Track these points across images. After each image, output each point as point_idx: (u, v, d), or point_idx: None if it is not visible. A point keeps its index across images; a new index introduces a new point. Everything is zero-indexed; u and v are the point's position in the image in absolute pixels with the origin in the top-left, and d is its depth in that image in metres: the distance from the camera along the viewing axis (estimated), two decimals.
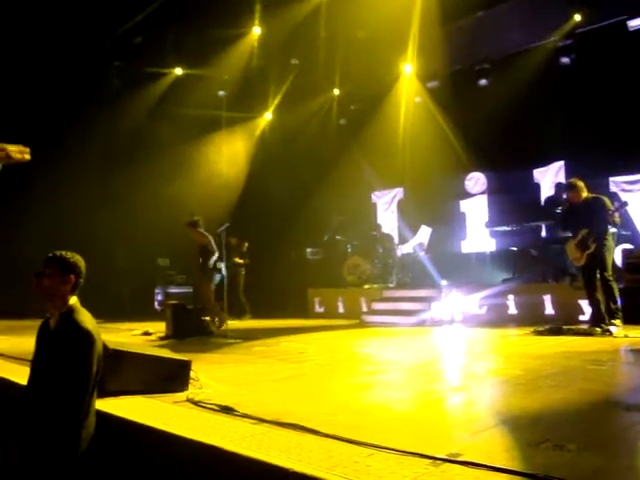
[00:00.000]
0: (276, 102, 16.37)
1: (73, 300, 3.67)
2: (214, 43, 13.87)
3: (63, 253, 3.69)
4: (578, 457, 2.62)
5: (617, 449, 2.81)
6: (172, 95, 15.36)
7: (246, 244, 14.04)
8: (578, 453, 2.67)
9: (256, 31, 14.09)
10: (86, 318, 3.61)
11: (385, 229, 15.08)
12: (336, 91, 16.08)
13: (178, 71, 15.54)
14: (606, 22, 11.97)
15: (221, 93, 15.87)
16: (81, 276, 3.69)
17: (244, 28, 13.98)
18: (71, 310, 3.62)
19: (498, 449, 2.79)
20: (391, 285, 13.32)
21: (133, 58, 14.64)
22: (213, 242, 10.19)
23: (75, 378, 3.47)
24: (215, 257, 10.20)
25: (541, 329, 8.29)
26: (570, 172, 12.08)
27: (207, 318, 9.95)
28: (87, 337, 3.51)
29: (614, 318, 7.83)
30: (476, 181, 14.22)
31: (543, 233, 11.39)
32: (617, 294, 7.99)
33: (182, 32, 13.52)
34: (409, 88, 14.84)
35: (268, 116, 17.05)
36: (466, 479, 2.38)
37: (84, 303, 3.74)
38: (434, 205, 14.35)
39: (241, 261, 13.79)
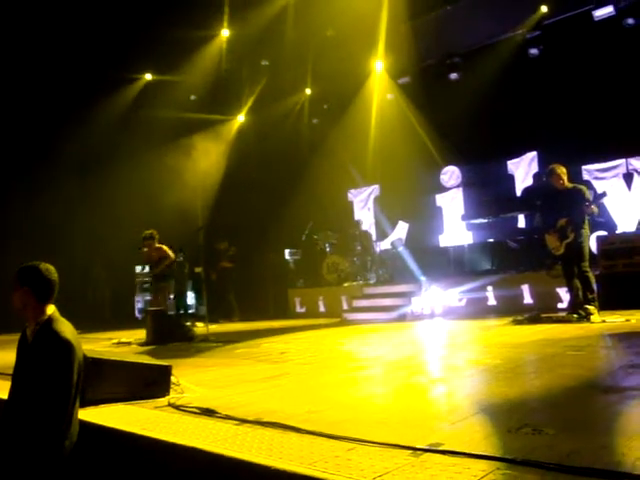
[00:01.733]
0: (248, 104, 16.33)
1: (51, 310, 3.61)
2: (183, 47, 13.81)
3: (24, 265, 3.65)
4: (556, 440, 2.65)
5: (594, 430, 2.84)
6: (144, 100, 15.27)
7: (233, 248, 14.16)
8: (556, 436, 2.70)
9: (225, 33, 14.04)
10: (65, 327, 3.56)
11: (363, 226, 15.12)
12: (308, 91, 16.07)
13: (148, 76, 15.43)
14: (572, 12, 12.12)
15: (192, 97, 15.80)
16: (43, 286, 3.61)
17: (212, 30, 13.92)
18: (49, 320, 3.57)
19: (478, 437, 2.81)
20: (371, 282, 13.36)
21: (104, 63, 14.50)
22: (169, 250, 10.42)
23: (55, 388, 3.42)
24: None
25: (520, 318, 8.38)
26: (543, 162, 12.21)
27: (188, 323, 9.94)
28: (66, 346, 3.46)
29: (590, 305, 7.93)
30: (451, 175, 14.31)
31: (519, 224, 11.50)
32: (593, 284, 8.09)
33: (151, 36, 13.41)
34: (380, 85, 14.89)
35: (241, 118, 17.00)
36: (446, 467, 2.40)
37: (63, 313, 3.70)
38: (410, 200, 14.42)
39: (229, 265, 13.88)
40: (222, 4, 13.23)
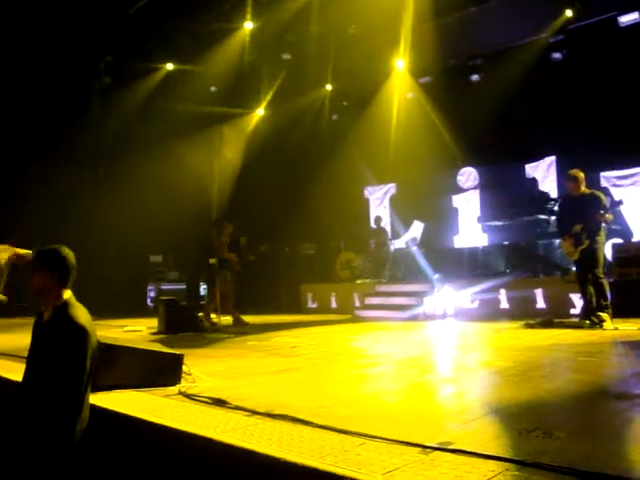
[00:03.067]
0: (268, 97, 16.33)
1: (67, 294, 3.64)
2: (206, 38, 13.84)
3: (46, 247, 3.67)
4: (567, 444, 2.65)
5: (605, 436, 2.84)
6: (164, 90, 15.32)
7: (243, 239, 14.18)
8: (567, 440, 2.70)
9: (248, 26, 14.03)
10: (80, 312, 3.59)
11: (380, 224, 15.10)
12: (328, 87, 16.06)
13: (169, 66, 15.48)
14: (597, 18, 12.01)
15: (213, 88, 15.83)
16: (65, 270, 3.64)
17: (236, 23, 13.92)
18: (66, 304, 3.60)
19: (488, 437, 2.82)
20: (384, 280, 13.34)
21: (124, 53, 14.58)
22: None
23: (69, 372, 3.45)
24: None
25: (532, 322, 8.35)
26: (562, 167, 12.13)
27: (200, 314, 10.00)
28: (81, 332, 3.49)
29: (603, 312, 7.88)
30: (468, 176, 14.26)
31: (535, 227, 11.44)
32: (607, 291, 8.04)
33: (173, 27, 13.47)
34: (402, 84, 14.84)
35: (260, 112, 17.02)
36: (456, 466, 2.40)
37: (77, 299, 3.72)
38: (426, 200, 14.39)
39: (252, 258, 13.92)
40: None
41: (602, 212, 7.73)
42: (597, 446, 2.63)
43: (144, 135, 15.10)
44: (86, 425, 3.55)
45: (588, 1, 11.77)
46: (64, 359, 3.45)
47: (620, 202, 8.41)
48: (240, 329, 9.59)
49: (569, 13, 12.11)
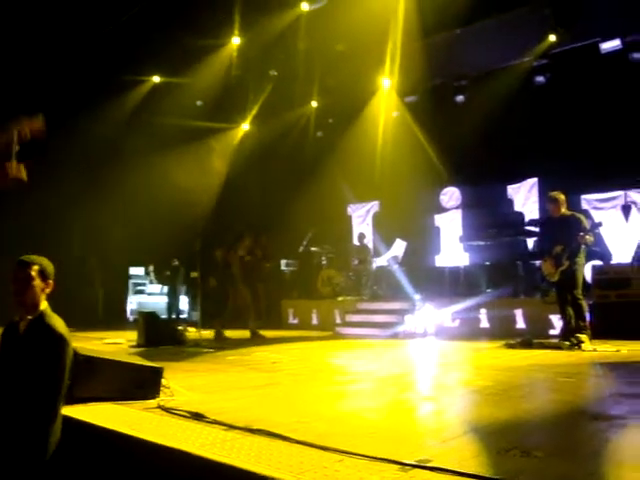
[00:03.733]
0: (254, 113, 16.38)
1: (44, 305, 3.62)
2: (193, 52, 13.88)
3: (36, 257, 3.65)
4: (545, 463, 2.66)
5: (582, 456, 2.85)
6: (150, 103, 15.31)
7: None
8: (545, 459, 2.72)
9: (235, 41, 14.10)
10: (59, 322, 3.57)
11: (362, 241, 15.12)
12: (314, 103, 16.15)
13: (156, 79, 15.49)
14: (580, 43, 12.23)
15: (199, 103, 15.86)
16: (47, 280, 3.64)
17: (223, 38, 13.99)
18: (43, 315, 3.57)
19: (467, 456, 2.82)
20: (365, 297, 13.35)
21: (110, 65, 14.56)
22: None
23: (47, 383, 3.41)
24: None
25: (512, 342, 8.39)
26: (543, 189, 12.27)
27: (180, 328, 9.92)
28: (61, 341, 3.46)
29: (582, 333, 7.94)
30: (451, 195, 14.37)
31: (516, 248, 11.53)
32: (585, 312, 8.11)
33: (161, 40, 13.48)
34: (387, 102, 14.97)
35: (246, 127, 17.05)
36: None
37: (55, 311, 3.70)
38: (409, 219, 14.44)
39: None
40: (234, 12, 13.30)
41: (582, 234, 7.82)
42: (574, 466, 2.65)
43: (129, 147, 15.06)
44: (59, 436, 3.51)
45: (571, 27, 11.99)
46: (42, 369, 3.41)
47: (599, 224, 8.53)
48: (221, 344, 9.53)
49: (553, 38, 12.33)
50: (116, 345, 9.27)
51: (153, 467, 3.25)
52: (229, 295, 10.90)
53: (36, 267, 3.60)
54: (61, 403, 3.54)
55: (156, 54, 14.46)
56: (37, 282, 3.57)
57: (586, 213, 11.16)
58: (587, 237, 7.81)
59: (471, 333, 10.28)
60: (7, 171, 3.84)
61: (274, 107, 15.71)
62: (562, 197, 8.30)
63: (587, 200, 12.09)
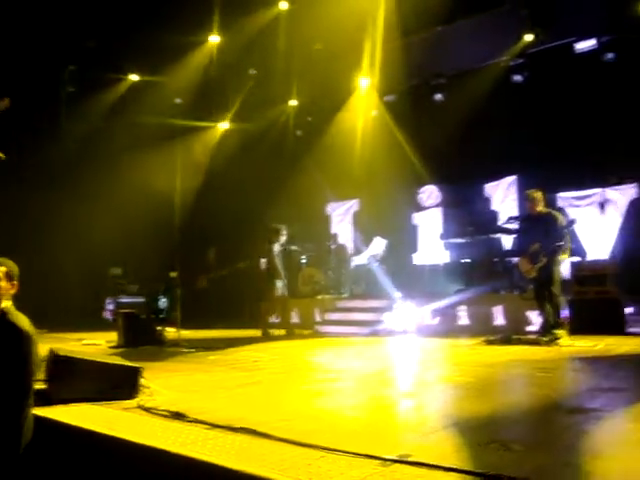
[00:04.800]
0: (233, 111, 16.32)
1: (8, 304, 3.65)
2: (172, 50, 13.78)
3: (3, 260, 3.73)
4: (523, 456, 2.70)
5: (559, 448, 2.90)
6: (127, 101, 15.18)
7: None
8: (523, 452, 2.76)
9: (214, 39, 14.04)
10: (22, 319, 3.60)
11: (340, 240, 15.15)
12: (293, 102, 16.13)
13: (134, 77, 15.37)
14: (556, 43, 12.36)
15: (178, 101, 15.75)
16: (13, 280, 3.74)
17: (202, 36, 13.92)
18: (5, 313, 3.60)
19: (447, 450, 2.85)
20: (345, 296, 13.38)
21: (88, 63, 14.42)
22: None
23: (14, 379, 3.41)
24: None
25: (491, 338, 8.47)
26: (521, 187, 12.39)
27: (159, 328, 9.85)
28: (24, 337, 3.49)
29: (560, 329, 8.05)
30: (430, 194, 14.44)
31: (494, 246, 11.64)
32: (562, 308, 8.23)
33: (140, 38, 13.37)
34: (366, 101, 15.00)
35: (224, 125, 16.98)
36: (414, 478, 2.43)
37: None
38: (388, 217, 14.49)
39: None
40: (212, 10, 13.24)
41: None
42: (552, 458, 2.69)
43: (106, 147, 14.93)
44: (30, 436, 3.49)
45: (547, 27, 12.12)
46: (8, 365, 3.41)
47: (573, 221, 8.65)
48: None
49: (529, 37, 12.45)
50: (95, 346, 9.18)
51: (133, 467, 3.24)
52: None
53: (3, 269, 3.68)
54: (31, 398, 3.52)
55: (135, 52, 14.35)
56: (3, 283, 3.65)
57: (563, 211, 11.29)
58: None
59: (451, 330, 10.36)
60: None
61: (253, 106, 15.66)
62: (539, 195, 8.40)
63: (564, 198, 12.23)
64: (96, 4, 12.75)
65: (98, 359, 4.78)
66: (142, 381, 4.72)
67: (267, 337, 10.55)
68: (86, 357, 4.71)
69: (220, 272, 13.60)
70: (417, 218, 14.64)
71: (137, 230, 14.32)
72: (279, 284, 10.87)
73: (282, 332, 10.91)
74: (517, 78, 12.76)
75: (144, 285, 15.80)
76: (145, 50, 14.00)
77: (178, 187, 15.70)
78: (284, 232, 11.07)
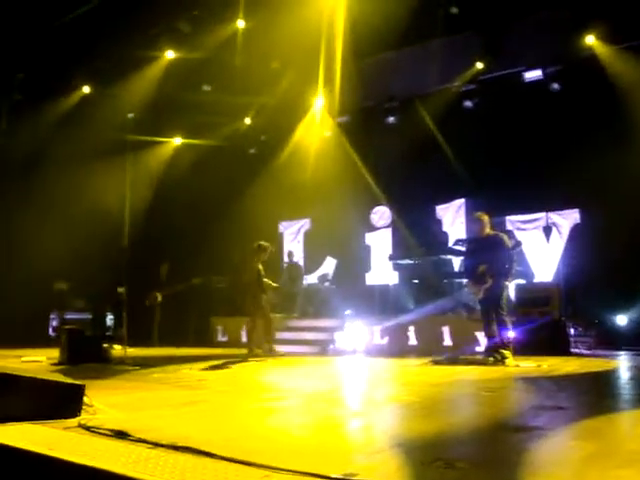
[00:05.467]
0: (186, 128, 16.19)
1: None
2: (126, 63, 13.62)
3: None
4: (467, 474, 2.72)
5: (503, 466, 2.93)
6: (78, 113, 14.90)
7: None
8: (467, 470, 2.78)
9: (169, 55, 13.95)
10: None
11: (294, 258, 15.13)
12: (247, 120, 16.13)
13: (86, 89, 15.12)
14: (505, 71, 12.75)
15: (130, 115, 15.53)
16: None
17: (158, 51, 13.80)
18: None
19: (392, 468, 2.85)
20: (295, 315, 13.35)
21: (38, 71, 14.11)
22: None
23: None
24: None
25: (439, 359, 8.56)
26: (470, 209, 12.64)
27: (105, 345, 9.62)
28: None
29: (505, 349, 8.19)
30: (381, 215, 14.59)
31: (442, 267, 11.82)
32: (508, 328, 8.38)
33: (94, 50, 13.18)
34: (320, 121, 15.11)
35: (177, 141, 16.83)
36: None
37: None
38: (340, 237, 14.57)
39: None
40: (168, 25, 13.14)
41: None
42: (494, 476, 2.72)
43: (55, 158, 14.59)
44: None
45: (498, 55, 12.49)
46: None
47: (519, 243, 8.86)
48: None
49: (480, 65, 12.79)
50: (36, 363, 8.91)
51: None
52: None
53: None
54: None
55: (88, 64, 14.13)
56: None
57: (510, 233, 11.57)
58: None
59: (400, 350, 10.43)
60: None
61: (207, 123, 15.57)
62: (486, 218, 8.59)
63: (511, 221, 12.54)
64: (50, 14, 12.51)
65: (37, 376, 4.62)
66: (85, 399, 4.58)
67: (251, 355, 10.23)
68: (24, 374, 4.54)
69: (175, 288, 13.37)
70: (369, 238, 14.75)
71: (85, 244, 13.99)
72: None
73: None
74: (468, 104, 13.07)
75: (91, 301, 15.41)
76: (99, 62, 13.81)
77: (128, 202, 15.47)
78: (270, 250, 10.94)
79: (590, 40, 11.41)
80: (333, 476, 2.68)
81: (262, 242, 10.78)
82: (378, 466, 2.90)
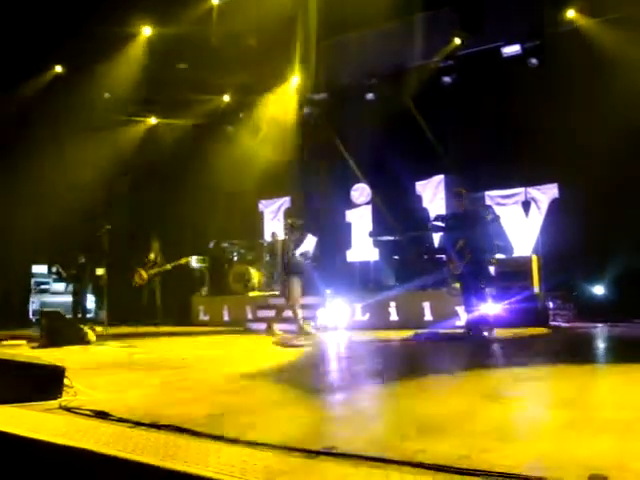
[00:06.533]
0: (164, 106, 16.02)
1: None
2: (100, 42, 13.37)
3: None
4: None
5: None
6: (53, 93, 14.64)
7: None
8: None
9: (146, 32, 13.74)
10: None
11: (276, 237, 15.07)
12: (225, 97, 15.98)
13: (59, 69, 14.88)
14: (483, 47, 12.71)
15: (106, 95, 15.31)
16: None
17: (133, 28, 13.59)
18: None
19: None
20: (277, 293, 13.35)
21: (12, 51, 13.81)
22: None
23: None
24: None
25: (420, 333, 8.68)
26: (449, 185, 12.68)
27: (85, 326, 9.59)
28: None
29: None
30: (361, 191, 14.58)
31: (423, 243, 11.89)
32: (488, 301, 8.50)
33: (67, 27, 12.91)
34: (298, 98, 15.00)
35: (154, 120, 16.66)
36: None
37: None
38: (320, 214, 14.55)
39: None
40: (146, 2, 12.91)
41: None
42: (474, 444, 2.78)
43: (27, 137, 14.37)
44: None
45: (475, 31, 12.44)
46: None
47: (497, 217, 8.95)
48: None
49: (458, 41, 12.75)
50: (16, 346, 8.86)
51: (57, 469, 3.14)
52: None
53: None
54: None
55: (63, 42, 13.84)
56: None
57: (490, 208, 11.64)
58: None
59: (381, 325, 10.53)
60: None
61: (185, 100, 15.40)
62: (465, 193, 8.65)
63: (490, 196, 12.59)
64: None
65: (17, 359, 4.61)
66: (65, 381, 4.59)
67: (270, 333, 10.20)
68: (4, 357, 4.53)
69: (164, 267, 13.27)
70: (350, 215, 14.76)
71: (63, 227, 13.85)
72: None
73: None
74: (446, 80, 13.05)
75: (71, 283, 15.31)
76: (74, 41, 13.54)
77: (107, 182, 15.31)
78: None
79: (571, 14, 11.43)
80: (314, 449, 2.74)
81: (294, 219, 10.75)
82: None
